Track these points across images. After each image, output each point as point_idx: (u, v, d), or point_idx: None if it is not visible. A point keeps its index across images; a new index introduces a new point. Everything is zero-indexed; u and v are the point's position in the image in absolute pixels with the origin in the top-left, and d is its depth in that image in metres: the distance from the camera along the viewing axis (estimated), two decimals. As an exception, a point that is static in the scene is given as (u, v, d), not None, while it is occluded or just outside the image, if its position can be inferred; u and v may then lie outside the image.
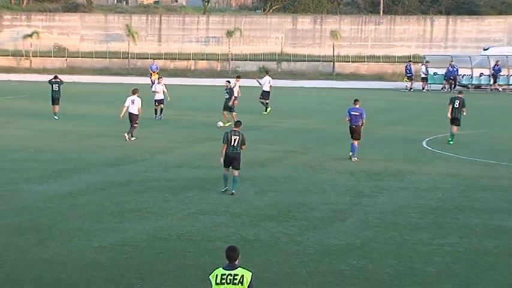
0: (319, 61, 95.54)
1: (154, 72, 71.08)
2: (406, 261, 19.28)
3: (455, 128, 38.89)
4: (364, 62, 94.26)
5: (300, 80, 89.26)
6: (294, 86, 77.19)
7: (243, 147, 27.06)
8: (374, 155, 34.95)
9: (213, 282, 12.49)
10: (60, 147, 37.48)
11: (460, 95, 39.94)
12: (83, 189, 27.66)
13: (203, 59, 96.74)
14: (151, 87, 52.46)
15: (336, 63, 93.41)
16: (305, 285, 17.59)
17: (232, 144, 26.80)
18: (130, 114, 39.36)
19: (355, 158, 33.59)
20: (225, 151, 26.90)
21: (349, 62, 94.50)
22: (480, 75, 75.24)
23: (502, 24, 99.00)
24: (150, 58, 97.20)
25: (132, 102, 39.28)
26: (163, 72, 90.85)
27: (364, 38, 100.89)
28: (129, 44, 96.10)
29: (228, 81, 47.04)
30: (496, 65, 74.77)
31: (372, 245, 20.62)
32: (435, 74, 75.73)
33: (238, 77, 50.35)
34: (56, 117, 48.42)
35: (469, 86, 74.93)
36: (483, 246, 20.55)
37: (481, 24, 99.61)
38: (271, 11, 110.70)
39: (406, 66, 77.79)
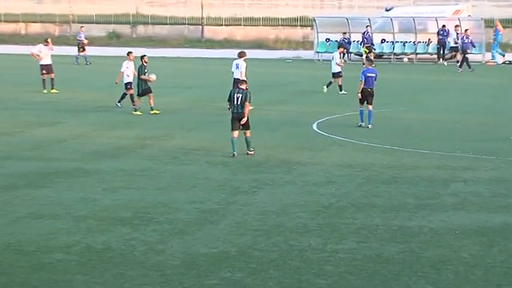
0: (185, 24, 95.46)
1: (82, 40, 70.29)
2: (292, 272, 19.43)
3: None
4: (240, 25, 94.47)
5: (160, 48, 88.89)
6: (152, 55, 76.54)
7: (247, 104, 31.01)
8: (254, 142, 34.91)
9: None
10: None
11: None
12: None
13: (36, 21, 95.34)
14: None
15: (206, 27, 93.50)
16: (167, 305, 17.68)
17: (236, 103, 31.03)
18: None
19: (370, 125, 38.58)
20: (231, 111, 31.30)
21: (221, 25, 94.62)
22: (382, 42, 75.76)
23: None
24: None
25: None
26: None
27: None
28: None
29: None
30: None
31: (250, 253, 20.75)
32: (327, 40, 76.03)
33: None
34: None
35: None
36: (385, 252, 20.82)
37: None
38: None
39: (364, 33, 74.88)
